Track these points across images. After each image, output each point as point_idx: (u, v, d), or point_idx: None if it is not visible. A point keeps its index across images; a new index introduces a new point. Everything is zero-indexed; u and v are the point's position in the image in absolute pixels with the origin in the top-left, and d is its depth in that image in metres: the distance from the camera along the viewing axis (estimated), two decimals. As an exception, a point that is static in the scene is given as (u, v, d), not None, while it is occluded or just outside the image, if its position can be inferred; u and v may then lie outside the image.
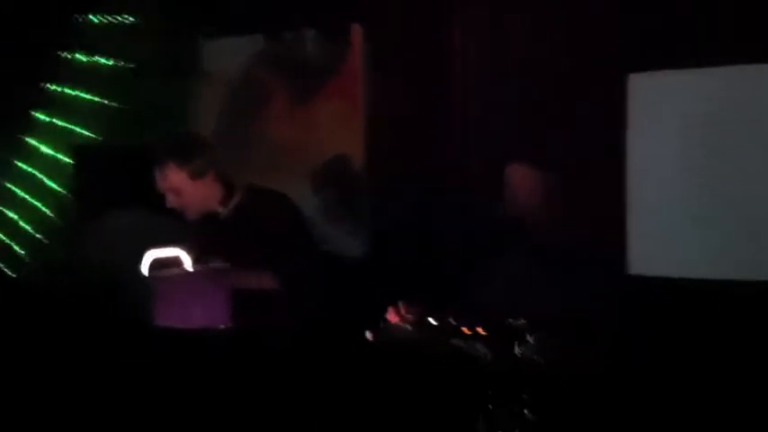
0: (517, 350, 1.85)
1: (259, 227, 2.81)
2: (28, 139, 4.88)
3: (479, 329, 2.11)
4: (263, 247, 2.74)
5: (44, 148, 4.89)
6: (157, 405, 2.07)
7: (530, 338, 1.86)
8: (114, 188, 3.83)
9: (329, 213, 4.32)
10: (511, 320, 2.03)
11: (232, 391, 2.02)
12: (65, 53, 4.75)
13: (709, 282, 2.78)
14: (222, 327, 2.31)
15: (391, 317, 2.66)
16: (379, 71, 4.16)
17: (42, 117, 4.91)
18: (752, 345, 2.47)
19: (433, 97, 3.97)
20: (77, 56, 4.79)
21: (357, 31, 4.24)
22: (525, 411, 1.74)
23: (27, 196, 4.91)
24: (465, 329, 2.16)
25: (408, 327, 2.48)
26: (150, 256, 2.29)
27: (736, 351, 2.46)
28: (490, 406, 1.76)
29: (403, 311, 2.58)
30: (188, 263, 2.38)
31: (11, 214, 4.84)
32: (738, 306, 2.63)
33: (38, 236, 4.76)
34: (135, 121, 4.66)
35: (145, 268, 2.28)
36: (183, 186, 2.83)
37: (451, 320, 2.30)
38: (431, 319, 2.41)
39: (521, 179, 2.92)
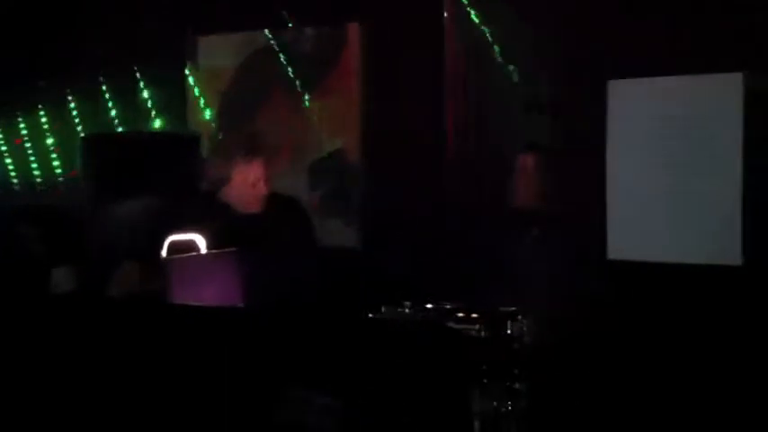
0: (509, 329, 2.01)
1: (274, 225, 3.06)
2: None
3: (473, 314, 2.28)
4: (276, 241, 2.98)
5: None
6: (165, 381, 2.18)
7: (521, 319, 2.02)
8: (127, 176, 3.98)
9: (326, 207, 4.46)
10: (502, 308, 2.19)
11: (238, 365, 2.14)
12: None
13: (681, 265, 3.07)
14: (233, 305, 2.47)
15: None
16: (375, 66, 4.30)
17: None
18: (719, 324, 2.68)
19: (428, 93, 4.11)
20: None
21: (354, 27, 4.38)
22: (516, 385, 1.91)
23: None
24: (460, 313, 2.33)
25: (406, 310, 2.65)
26: (169, 239, 2.46)
27: (704, 328, 2.66)
28: (485, 380, 1.92)
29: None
30: (203, 247, 2.54)
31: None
32: (705, 288, 2.88)
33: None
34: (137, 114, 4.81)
35: (164, 251, 2.45)
36: (262, 177, 3.12)
37: (447, 305, 2.47)
38: (427, 305, 2.58)
39: (534, 166, 3.17)
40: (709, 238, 3.10)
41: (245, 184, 3.13)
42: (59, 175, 5.06)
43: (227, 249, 2.60)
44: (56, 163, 5.12)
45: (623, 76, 3.28)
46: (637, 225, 3.23)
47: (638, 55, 3.32)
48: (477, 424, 1.90)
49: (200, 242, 2.54)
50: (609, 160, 3.29)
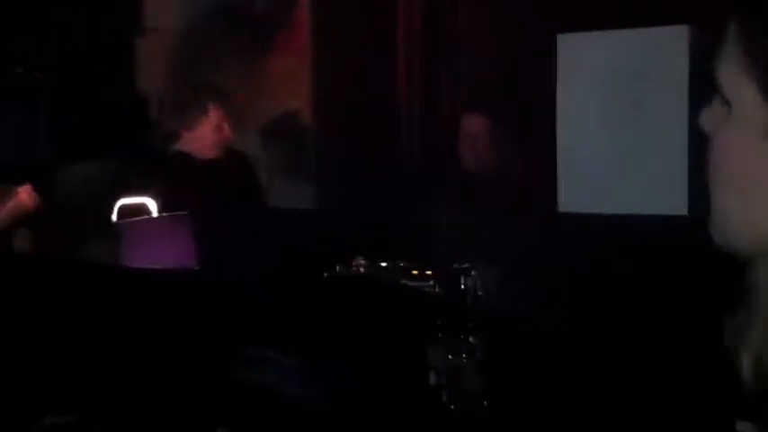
0: (462, 284, 2.04)
1: (223, 178, 3.02)
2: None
3: (428, 271, 2.30)
4: (224, 198, 2.94)
5: None
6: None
7: (474, 274, 2.05)
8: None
9: (278, 167, 4.45)
10: (456, 265, 2.22)
11: (194, 328, 2.14)
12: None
13: (629, 216, 3.14)
14: (185, 267, 2.45)
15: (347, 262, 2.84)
16: (325, 25, 4.27)
17: None
18: (666, 273, 2.75)
19: (379, 50, 4.10)
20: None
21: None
22: (470, 338, 1.93)
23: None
24: (414, 271, 2.34)
25: (361, 269, 2.66)
26: (118, 203, 2.43)
27: (652, 278, 2.73)
28: (440, 334, 1.94)
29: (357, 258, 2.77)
30: (154, 210, 2.52)
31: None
32: (652, 238, 2.95)
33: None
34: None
35: (113, 215, 2.42)
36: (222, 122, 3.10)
37: (401, 263, 2.49)
38: (382, 263, 2.60)
39: (477, 128, 3.19)
40: (656, 190, 3.17)
41: (209, 129, 3.12)
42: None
43: (178, 212, 2.58)
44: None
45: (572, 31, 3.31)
46: (586, 178, 3.29)
47: (586, 8, 3.35)
48: (433, 377, 1.92)
49: (151, 205, 2.52)
50: (558, 114, 3.33)
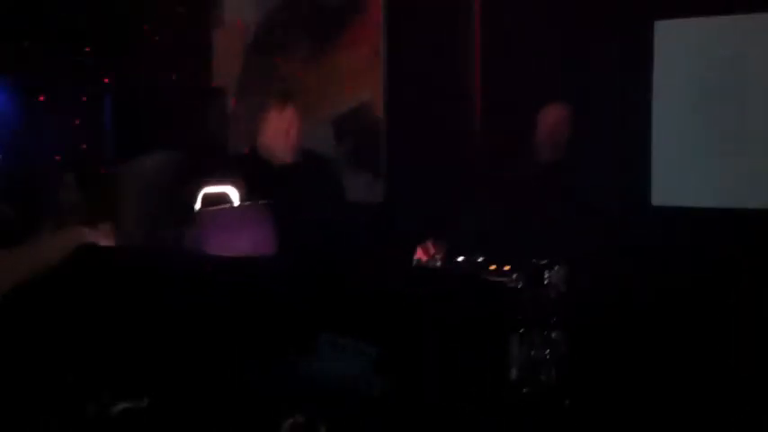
0: (546, 279, 2.02)
1: (303, 179, 3.07)
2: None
3: (505, 266, 2.28)
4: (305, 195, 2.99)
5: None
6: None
7: (557, 269, 2.03)
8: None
9: (351, 160, 4.46)
10: (535, 260, 2.20)
11: (271, 315, 2.16)
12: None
13: (727, 210, 3.05)
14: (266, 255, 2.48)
15: (420, 255, 2.84)
16: (400, 20, 4.26)
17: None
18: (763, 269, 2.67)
19: (453, 48, 4.07)
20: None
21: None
22: (553, 333, 1.92)
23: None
24: (492, 265, 2.33)
25: (438, 263, 2.66)
26: (203, 191, 2.47)
27: (748, 273, 2.66)
28: (522, 329, 1.93)
29: (431, 249, 2.77)
30: (236, 199, 2.55)
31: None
32: (751, 232, 2.86)
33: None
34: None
35: (197, 203, 2.46)
36: (293, 124, 3.12)
37: (478, 258, 2.47)
38: (459, 258, 2.59)
39: (555, 119, 3.16)
40: (757, 182, 3.07)
41: (279, 132, 3.14)
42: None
43: (259, 201, 2.61)
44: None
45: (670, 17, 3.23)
46: (682, 170, 3.20)
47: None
48: (514, 372, 1.91)
49: (233, 194, 2.56)
50: (654, 102, 3.24)
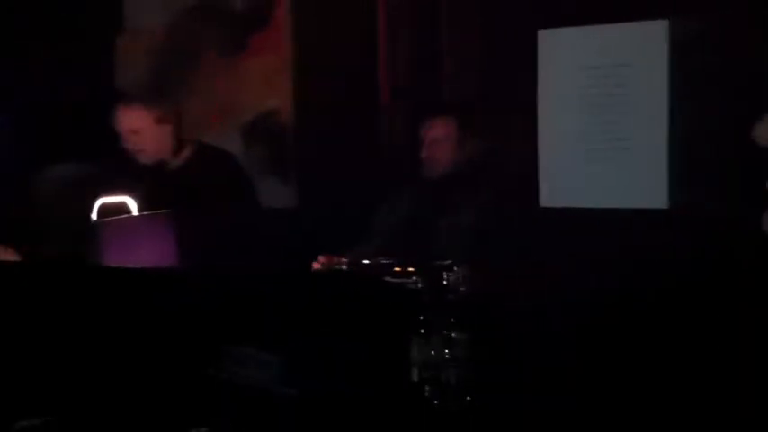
0: (445, 280, 2.04)
1: (206, 180, 3.00)
2: None
3: (410, 268, 2.30)
4: (206, 199, 2.92)
5: None
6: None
7: (456, 270, 2.05)
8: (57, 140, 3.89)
9: (261, 167, 4.43)
10: (438, 261, 2.22)
11: (175, 324, 2.13)
12: None
13: (610, 210, 3.16)
14: (166, 266, 2.44)
15: (318, 264, 2.85)
16: (306, 24, 4.25)
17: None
18: (647, 266, 2.77)
19: (359, 51, 4.09)
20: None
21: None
22: (453, 334, 1.94)
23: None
24: (397, 267, 2.35)
25: (343, 266, 2.67)
26: (98, 202, 2.42)
27: (632, 269, 2.75)
28: (422, 330, 1.94)
29: (326, 261, 2.78)
30: (134, 209, 2.51)
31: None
32: (633, 232, 2.98)
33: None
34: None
35: (93, 214, 2.41)
36: (144, 128, 3.04)
37: (383, 260, 2.49)
38: (364, 260, 2.60)
39: (440, 130, 3.18)
40: (636, 184, 3.18)
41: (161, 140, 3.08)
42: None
43: (159, 211, 2.57)
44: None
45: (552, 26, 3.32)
46: (567, 173, 3.29)
47: (566, 4, 3.35)
48: (415, 372, 1.92)
49: (132, 204, 2.51)
50: (540, 110, 3.33)
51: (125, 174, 2.94)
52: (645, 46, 3.16)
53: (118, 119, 3.10)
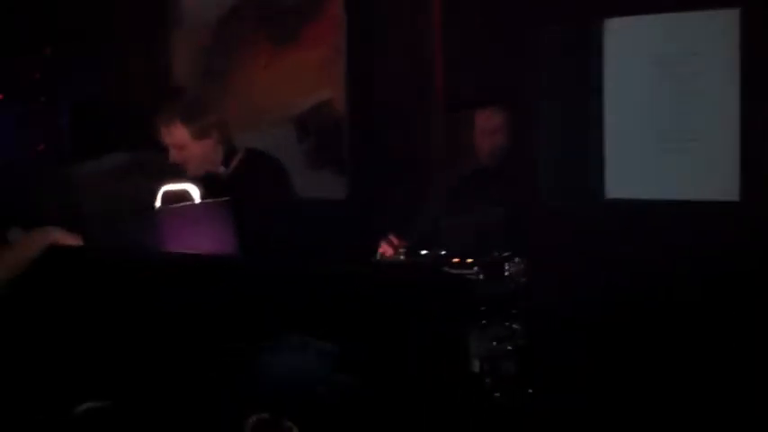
0: (506, 271, 2.04)
1: (254, 187, 3.04)
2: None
3: (468, 259, 2.30)
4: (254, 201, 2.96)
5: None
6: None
7: (517, 261, 2.05)
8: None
9: (315, 159, 4.45)
10: (497, 253, 2.22)
11: (233, 311, 2.15)
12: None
13: (678, 202, 3.12)
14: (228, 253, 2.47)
15: (384, 249, 2.85)
16: (358, 16, 4.26)
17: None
18: (717, 259, 2.72)
19: (412, 43, 4.08)
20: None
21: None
22: (514, 325, 1.93)
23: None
24: (454, 259, 2.35)
25: (401, 257, 2.67)
26: (162, 189, 2.46)
27: (700, 263, 2.70)
28: (483, 321, 1.94)
29: (395, 242, 2.78)
30: (196, 196, 2.54)
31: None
32: (702, 224, 2.92)
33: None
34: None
35: (158, 201, 2.44)
36: (186, 144, 3.07)
37: (441, 251, 2.49)
38: (422, 252, 2.60)
39: (491, 121, 3.19)
40: (706, 175, 3.13)
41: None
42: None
43: (220, 199, 2.59)
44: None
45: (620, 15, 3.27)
46: (634, 164, 3.25)
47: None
48: (476, 364, 1.92)
49: (194, 192, 2.54)
50: (606, 99, 3.29)
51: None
52: (715, 35, 3.10)
53: (161, 134, 3.13)
